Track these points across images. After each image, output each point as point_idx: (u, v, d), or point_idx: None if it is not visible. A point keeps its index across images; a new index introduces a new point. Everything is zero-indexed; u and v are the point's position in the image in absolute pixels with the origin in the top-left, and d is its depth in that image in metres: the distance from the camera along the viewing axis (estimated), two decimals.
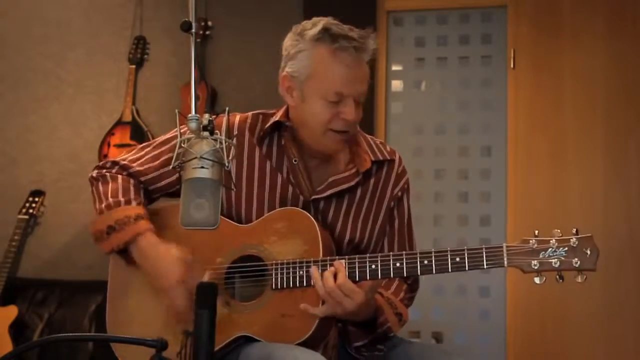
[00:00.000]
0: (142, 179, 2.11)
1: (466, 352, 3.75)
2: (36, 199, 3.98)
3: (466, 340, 3.75)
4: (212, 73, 3.98)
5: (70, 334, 3.51)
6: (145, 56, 4.09)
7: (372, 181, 2.13)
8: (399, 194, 2.17)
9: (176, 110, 1.73)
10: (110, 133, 4.00)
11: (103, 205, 2.05)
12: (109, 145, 3.97)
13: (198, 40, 3.91)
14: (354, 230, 2.09)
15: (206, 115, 1.62)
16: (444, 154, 3.86)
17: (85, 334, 3.64)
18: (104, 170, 2.14)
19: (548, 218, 3.62)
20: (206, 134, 1.59)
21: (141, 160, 2.13)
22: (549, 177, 3.67)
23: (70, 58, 4.17)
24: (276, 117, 2.09)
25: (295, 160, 2.08)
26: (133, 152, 2.17)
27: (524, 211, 3.67)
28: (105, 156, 3.96)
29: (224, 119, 1.76)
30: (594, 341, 3.51)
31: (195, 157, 1.57)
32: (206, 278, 1.95)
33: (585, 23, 3.70)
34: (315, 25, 2.01)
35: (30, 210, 3.95)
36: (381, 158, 2.14)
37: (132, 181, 2.10)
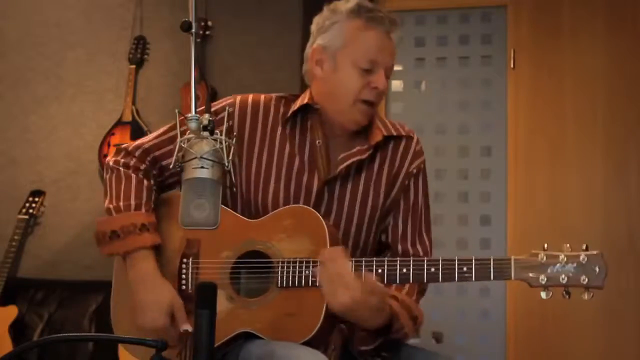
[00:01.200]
0: (164, 163, 2.10)
1: (466, 352, 3.76)
2: (36, 199, 3.98)
3: (466, 340, 3.75)
4: (212, 73, 3.98)
5: (70, 334, 3.51)
6: (145, 56, 4.09)
7: (388, 155, 2.14)
8: (414, 171, 2.17)
9: (176, 110, 1.73)
10: (110, 133, 4.00)
11: (112, 206, 2.04)
12: (109, 145, 3.97)
13: (198, 40, 3.91)
14: (374, 211, 2.09)
15: (206, 115, 1.62)
16: (444, 154, 3.86)
17: (85, 334, 3.65)
18: (122, 161, 2.10)
19: (548, 218, 3.63)
20: (206, 134, 1.59)
21: (161, 146, 2.11)
22: (549, 177, 3.67)
23: (70, 58, 4.17)
24: (303, 101, 2.10)
25: (319, 142, 2.09)
26: (156, 134, 2.15)
27: (524, 211, 3.67)
28: (105, 156, 3.96)
29: (225, 119, 1.76)
30: (594, 341, 3.51)
31: (195, 157, 1.57)
32: (182, 328, 1.92)
33: (585, 23, 3.70)
34: (349, 1, 2.08)
35: (30, 210, 3.95)
36: (395, 134, 2.14)
37: (145, 183, 2.07)
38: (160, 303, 1.94)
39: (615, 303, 3.51)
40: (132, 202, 2.03)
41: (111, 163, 2.12)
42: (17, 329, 3.67)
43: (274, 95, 2.17)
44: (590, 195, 3.62)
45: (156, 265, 1.99)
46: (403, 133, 2.16)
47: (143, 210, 2.03)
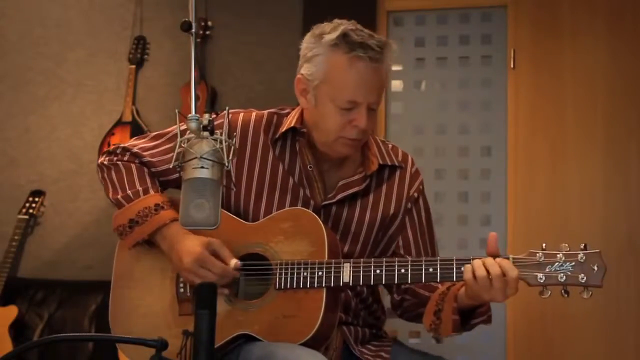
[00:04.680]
0: (153, 170, 2.11)
1: (466, 352, 3.76)
2: (36, 199, 3.98)
3: (466, 340, 3.75)
4: (212, 73, 3.98)
5: (70, 334, 3.52)
6: (145, 56, 4.09)
7: (385, 185, 2.12)
8: (415, 194, 2.16)
9: (176, 110, 1.73)
10: (110, 133, 4.01)
11: (120, 196, 2.06)
12: (109, 145, 3.97)
13: (198, 40, 3.91)
14: (369, 233, 2.09)
15: (206, 115, 1.62)
16: (444, 154, 3.86)
17: (85, 334, 3.65)
18: (115, 158, 2.13)
19: (548, 218, 3.62)
20: (206, 134, 1.59)
21: (153, 151, 2.12)
22: (549, 177, 3.67)
23: (70, 58, 4.17)
24: (291, 123, 2.08)
25: (310, 167, 2.07)
26: (144, 140, 2.16)
27: (524, 211, 3.66)
28: None
29: (225, 119, 1.76)
30: (594, 340, 3.51)
31: (195, 157, 1.57)
32: (232, 264, 1.95)
33: (585, 23, 3.69)
34: (335, 29, 1.98)
35: (30, 210, 3.95)
36: (389, 163, 2.13)
37: (145, 170, 2.10)
38: (195, 237, 1.96)
39: (615, 303, 3.51)
40: (139, 187, 2.06)
41: (105, 162, 2.14)
42: (17, 329, 3.67)
43: (266, 112, 2.14)
44: (590, 195, 3.61)
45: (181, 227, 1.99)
46: (396, 163, 2.14)
47: (152, 192, 2.05)
